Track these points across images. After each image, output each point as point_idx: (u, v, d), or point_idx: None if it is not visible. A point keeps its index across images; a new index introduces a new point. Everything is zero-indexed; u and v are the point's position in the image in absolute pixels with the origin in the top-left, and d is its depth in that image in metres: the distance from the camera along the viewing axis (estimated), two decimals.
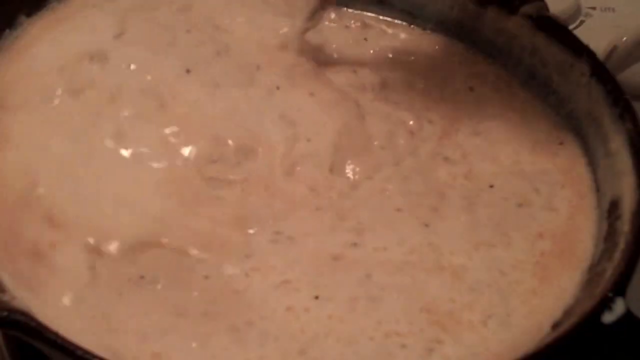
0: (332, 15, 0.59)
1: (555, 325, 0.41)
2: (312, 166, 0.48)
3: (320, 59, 0.55)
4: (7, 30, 0.52)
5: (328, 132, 0.50)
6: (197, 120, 0.49)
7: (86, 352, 0.34)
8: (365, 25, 0.59)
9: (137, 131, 0.47)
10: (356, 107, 0.52)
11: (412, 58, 0.57)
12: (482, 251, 0.45)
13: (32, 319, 0.35)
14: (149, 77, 0.50)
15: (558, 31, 0.53)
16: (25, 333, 0.35)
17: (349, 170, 0.49)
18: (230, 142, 0.48)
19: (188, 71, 0.51)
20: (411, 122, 0.52)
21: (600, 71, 0.50)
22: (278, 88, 0.52)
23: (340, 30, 0.58)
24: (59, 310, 0.39)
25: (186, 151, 0.47)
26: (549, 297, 0.44)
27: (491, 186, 0.49)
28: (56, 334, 0.35)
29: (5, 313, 0.35)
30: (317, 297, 0.42)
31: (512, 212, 0.48)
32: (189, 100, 0.49)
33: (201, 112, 0.49)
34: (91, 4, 0.55)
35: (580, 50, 0.52)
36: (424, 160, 0.50)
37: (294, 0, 0.55)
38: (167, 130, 0.48)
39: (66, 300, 0.40)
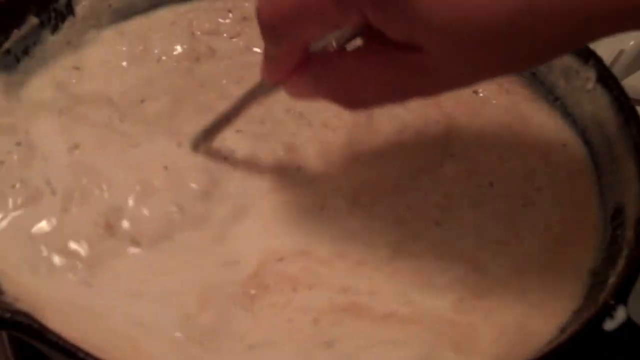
0: None
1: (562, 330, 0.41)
2: (335, 164, 0.50)
3: None
4: (16, 31, 0.52)
5: (339, 131, 0.51)
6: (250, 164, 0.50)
7: (87, 354, 0.35)
8: None
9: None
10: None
11: None
12: (492, 248, 0.46)
13: (34, 320, 0.35)
14: (165, 164, 0.48)
15: None
16: (27, 334, 0.35)
17: (361, 167, 0.49)
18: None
19: (179, 144, 0.50)
20: (418, 122, 0.52)
21: (606, 77, 0.50)
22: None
23: None
24: None
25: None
26: (564, 285, 0.44)
27: (491, 184, 0.49)
28: (57, 336, 0.35)
29: (8, 314, 0.35)
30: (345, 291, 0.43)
31: (518, 210, 0.48)
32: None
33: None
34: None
35: (586, 55, 0.51)
36: (430, 158, 0.50)
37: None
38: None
39: None
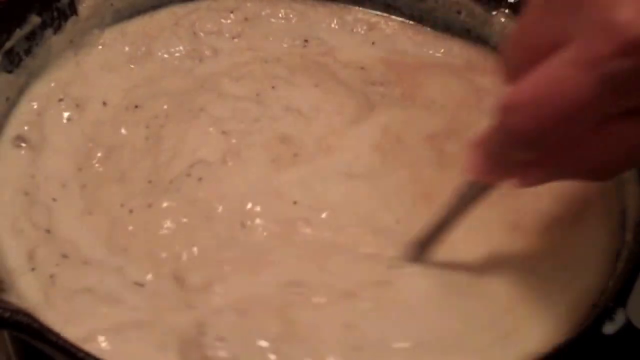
0: (335, 20, 0.59)
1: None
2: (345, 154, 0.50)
3: (329, 61, 0.56)
4: (18, 30, 0.52)
5: (342, 125, 0.51)
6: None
7: (87, 354, 0.34)
8: (371, 28, 0.59)
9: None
10: (366, 100, 0.53)
11: (420, 59, 0.58)
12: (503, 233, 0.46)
13: (34, 320, 0.35)
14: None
15: None
16: (27, 334, 0.35)
17: (366, 161, 0.49)
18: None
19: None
20: (420, 116, 0.52)
21: None
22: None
23: (346, 35, 0.59)
24: None
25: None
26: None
27: None
28: (57, 336, 0.35)
29: (7, 314, 0.35)
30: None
31: (519, 200, 0.47)
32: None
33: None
34: None
35: None
36: (432, 153, 0.50)
37: None
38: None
39: None
